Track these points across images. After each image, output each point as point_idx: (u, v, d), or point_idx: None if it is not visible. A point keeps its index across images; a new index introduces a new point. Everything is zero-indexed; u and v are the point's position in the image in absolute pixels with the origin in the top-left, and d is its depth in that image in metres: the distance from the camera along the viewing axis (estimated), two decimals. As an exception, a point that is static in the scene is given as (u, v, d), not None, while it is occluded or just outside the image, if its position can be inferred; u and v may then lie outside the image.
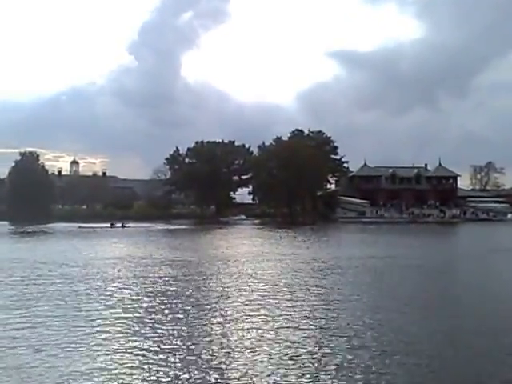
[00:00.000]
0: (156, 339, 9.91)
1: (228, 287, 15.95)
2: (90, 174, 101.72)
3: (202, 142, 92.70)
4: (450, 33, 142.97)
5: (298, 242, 34.79)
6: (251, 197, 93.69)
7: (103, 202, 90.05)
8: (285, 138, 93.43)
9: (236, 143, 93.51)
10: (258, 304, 13.20)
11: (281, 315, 11.92)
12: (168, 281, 17.32)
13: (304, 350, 9.14)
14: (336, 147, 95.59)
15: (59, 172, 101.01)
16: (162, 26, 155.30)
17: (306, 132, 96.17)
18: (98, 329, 10.67)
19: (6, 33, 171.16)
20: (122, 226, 54.61)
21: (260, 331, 10.46)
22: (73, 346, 9.38)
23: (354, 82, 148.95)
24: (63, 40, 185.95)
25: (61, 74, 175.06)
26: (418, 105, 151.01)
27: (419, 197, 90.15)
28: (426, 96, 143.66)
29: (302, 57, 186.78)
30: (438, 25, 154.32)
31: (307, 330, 10.62)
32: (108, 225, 54.90)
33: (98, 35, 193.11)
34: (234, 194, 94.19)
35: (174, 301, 13.87)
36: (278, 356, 8.82)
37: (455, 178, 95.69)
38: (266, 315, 11.95)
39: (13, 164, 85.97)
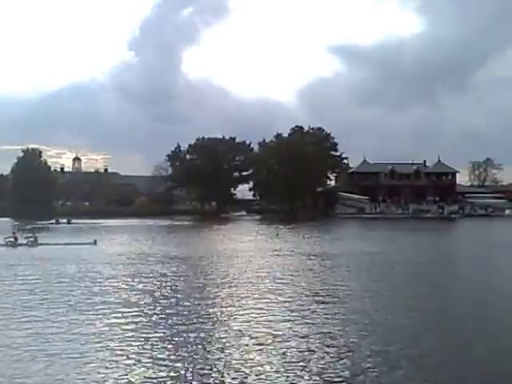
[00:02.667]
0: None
1: (237, 282, 16.81)
2: (92, 170, 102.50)
3: (203, 138, 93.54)
4: (449, 28, 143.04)
5: (299, 238, 35.57)
6: (252, 193, 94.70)
7: (105, 198, 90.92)
8: (285, 135, 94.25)
9: (237, 140, 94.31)
10: (270, 288, 14.08)
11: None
12: (174, 278, 18.10)
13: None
14: (336, 144, 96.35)
15: (61, 168, 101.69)
16: (163, 21, 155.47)
17: (306, 129, 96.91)
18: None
19: (7, 29, 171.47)
20: (68, 223, 53.99)
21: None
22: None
23: (354, 78, 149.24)
24: (64, 36, 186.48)
25: (62, 70, 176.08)
26: (418, 101, 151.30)
27: (418, 193, 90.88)
28: (426, 92, 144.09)
29: (303, 52, 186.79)
30: (438, 20, 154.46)
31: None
32: (53, 221, 54.18)
33: (99, 31, 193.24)
34: (235, 190, 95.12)
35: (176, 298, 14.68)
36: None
37: (454, 174, 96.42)
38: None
39: (15, 161, 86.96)
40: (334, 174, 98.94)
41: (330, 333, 10.26)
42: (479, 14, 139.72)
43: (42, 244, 28.43)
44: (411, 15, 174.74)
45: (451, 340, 10.07)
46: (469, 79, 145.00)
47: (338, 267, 20.48)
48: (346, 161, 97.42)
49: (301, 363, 8.45)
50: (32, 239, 28.71)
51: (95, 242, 28.93)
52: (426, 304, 13.48)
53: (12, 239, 28.35)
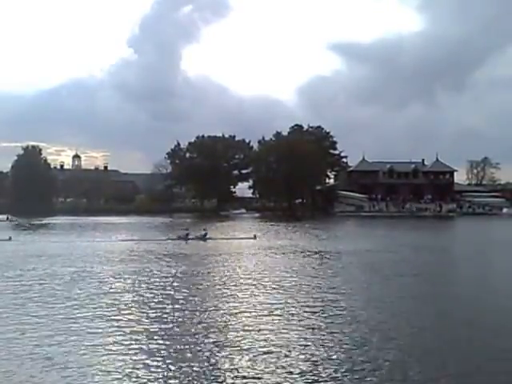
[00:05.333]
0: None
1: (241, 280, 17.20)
2: (92, 167, 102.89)
3: (202, 136, 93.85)
4: (449, 26, 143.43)
5: (301, 236, 35.91)
6: (251, 191, 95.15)
7: (105, 195, 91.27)
8: (284, 133, 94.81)
9: (236, 138, 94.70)
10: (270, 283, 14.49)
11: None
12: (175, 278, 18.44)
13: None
14: (335, 142, 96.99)
15: (61, 166, 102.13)
16: (162, 19, 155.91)
17: (306, 127, 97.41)
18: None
19: (7, 26, 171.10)
20: (7, 219, 53.80)
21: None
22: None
23: (354, 76, 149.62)
24: (63, 33, 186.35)
25: (60, 67, 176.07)
26: (416, 99, 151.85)
27: (416, 191, 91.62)
28: (424, 90, 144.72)
29: (303, 50, 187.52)
30: (438, 18, 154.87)
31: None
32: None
33: (98, 28, 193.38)
34: (235, 188, 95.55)
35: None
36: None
37: (452, 172, 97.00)
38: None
39: (15, 158, 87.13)
40: (333, 173, 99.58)
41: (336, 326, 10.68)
42: (479, 12, 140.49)
43: (211, 238, 31.09)
44: (411, 13, 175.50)
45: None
46: (468, 78, 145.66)
47: (344, 265, 20.84)
48: (344, 159, 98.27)
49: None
50: (203, 234, 31.20)
51: (255, 237, 31.62)
52: (433, 305, 13.84)
53: (185, 234, 30.82)
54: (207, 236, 31.21)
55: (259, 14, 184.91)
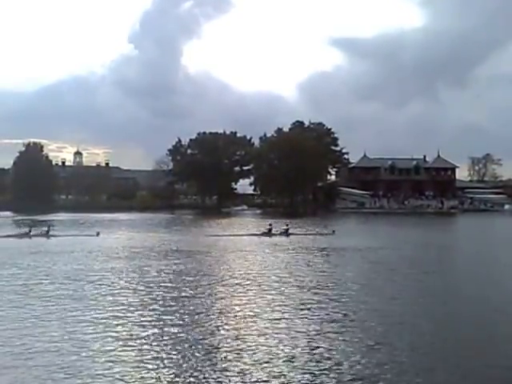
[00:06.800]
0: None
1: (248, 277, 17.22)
2: (94, 164, 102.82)
3: (204, 133, 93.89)
4: (451, 22, 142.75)
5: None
6: (252, 187, 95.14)
7: (106, 192, 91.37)
8: (286, 130, 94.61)
9: (238, 134, 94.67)
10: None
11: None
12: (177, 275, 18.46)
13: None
14: (336, 139, 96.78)
15: (63, 163, 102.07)
16: (163, 14, 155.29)
17: (307, 123, 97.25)
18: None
19: (7, 23, 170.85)
20: None
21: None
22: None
23: (355, 72, 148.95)
24: (64, 29, 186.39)
25: (61, 63, 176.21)
26: (418, 95, 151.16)
27: (418, 188, 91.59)
28: (426, 86, 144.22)
29: (304, 45, 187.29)
30: (440, 13, 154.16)
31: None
32: None
33: (99, 24, 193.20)
34: (236, 184, 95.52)
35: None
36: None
37: (453, 169, 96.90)
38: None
39: (17, 155, 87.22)
40: (335, 169, 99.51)
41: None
42: (482, 8, 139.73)
43: (292, 234, 32.35)
44: (413, 8, 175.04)
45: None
46: (470, 74, 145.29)
47: (347, 262, 20.90)
48: (346, 156, 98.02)
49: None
50: (284, 230, 32.58)
51: (333, 232, 33.18)
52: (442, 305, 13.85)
53: (268, 229, 32.39)
54: (289, 231, 32.35)
55: (260, 10, 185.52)
